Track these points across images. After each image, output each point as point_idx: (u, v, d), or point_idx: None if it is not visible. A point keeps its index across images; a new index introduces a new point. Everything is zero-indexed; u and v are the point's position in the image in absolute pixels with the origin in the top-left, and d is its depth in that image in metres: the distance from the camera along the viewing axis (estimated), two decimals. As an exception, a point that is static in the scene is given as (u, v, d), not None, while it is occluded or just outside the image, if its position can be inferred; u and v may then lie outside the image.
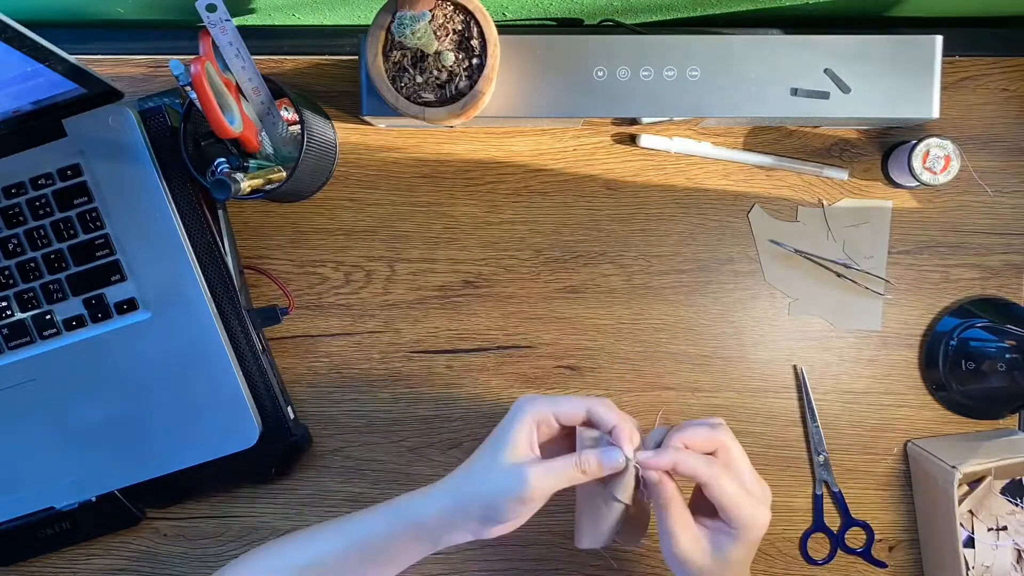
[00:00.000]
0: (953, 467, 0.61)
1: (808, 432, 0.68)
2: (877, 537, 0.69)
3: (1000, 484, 0.66)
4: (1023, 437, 0.67)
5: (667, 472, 0.51)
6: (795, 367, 0.68)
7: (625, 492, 0.53)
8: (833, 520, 0.69)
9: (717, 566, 0.52)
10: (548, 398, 0.53)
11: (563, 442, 0.55)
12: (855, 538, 0.69)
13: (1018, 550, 0.65)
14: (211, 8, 0.54)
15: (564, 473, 0.51)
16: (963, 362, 0.66)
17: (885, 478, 0.69)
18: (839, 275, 0.68)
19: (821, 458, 0.68)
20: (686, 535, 0.52)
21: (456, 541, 0.54)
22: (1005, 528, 0.65)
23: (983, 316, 0.67)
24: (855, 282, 0.68)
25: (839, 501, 0.69)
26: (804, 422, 0.69)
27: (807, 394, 0.68)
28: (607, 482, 0.53)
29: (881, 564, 0.69)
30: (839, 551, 0.69)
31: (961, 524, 0.64)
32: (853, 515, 0.69)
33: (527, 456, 0.52)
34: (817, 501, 0.69)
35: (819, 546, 0.70)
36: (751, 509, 0.51)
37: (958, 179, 0.66)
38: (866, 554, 0.69)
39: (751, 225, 0.69)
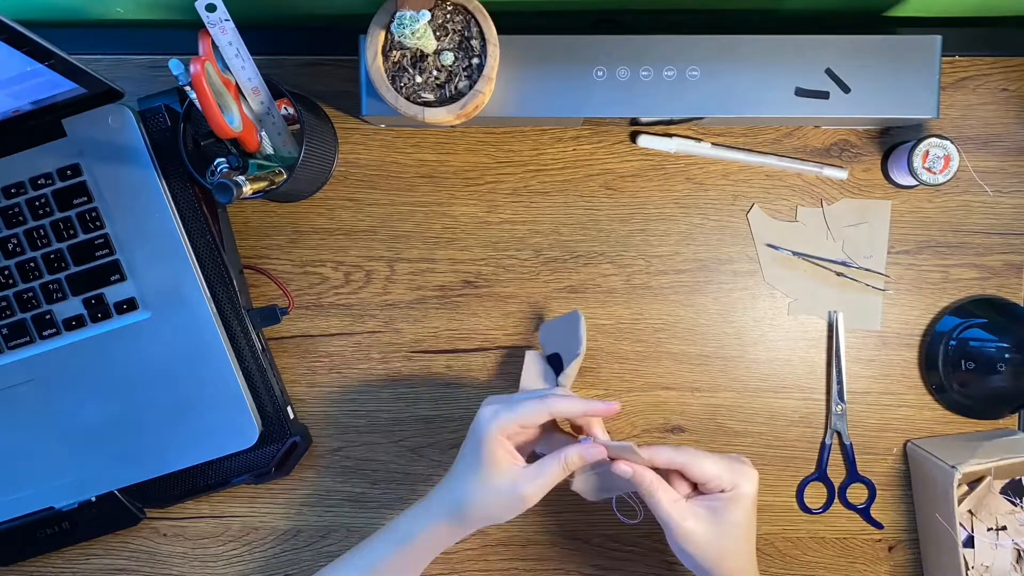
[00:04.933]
0: (952, 467, 0.61)
1: (831, 380, 0.68)
2: (877, 537, 0.69)
3: (1000, 484, 0.66)
4: (1022, 437, 0.68)
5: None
6: (830, 313, 0.68)
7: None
8: (837, 474, 0.69)
9: (723, 533, 0.54)
10: (509, 407, 0.54)
11: (535, 437, 0.58)
12: (857, 495, 0.69)
13: (1018, 550, 0.65)
14: (211, 8, 0.54)
15: (552, 475, 0.54)
16: (963, 362, 0.66)
17: (885, 478, 0.69)
18: (839, 275, 0.68)
19: (839, 408, 0.68)
20: (684, 513, 0.54)
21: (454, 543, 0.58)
22: (1005, 528, 0.65)
23: (983, 316, 0.67)
24: (855, 279, 0.68)
25: (848, 454, 0.69)
26: (828, 370, 0.68)
27: (837, 342, 0.68)
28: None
29: (878, 525, 0.69)
30: (837, 503, 0.69)
31: (961, 524, 0.64)
32: (860, 471, 0.69)
33: (513, 468, 0.54)
34: (824, 450, 0.69)
35: (817, 497, 0.70)
36: (736, 472, 0.54)
37: (958, 179, 0.67)
38: (865, 512, 0.69)
39: (750, 225, 0.69)
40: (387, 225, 0.69)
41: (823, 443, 0.69)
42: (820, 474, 0.69)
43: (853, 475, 0.69)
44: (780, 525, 0.70)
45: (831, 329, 0.68)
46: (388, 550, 0.56)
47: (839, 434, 0.68)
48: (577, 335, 0.62)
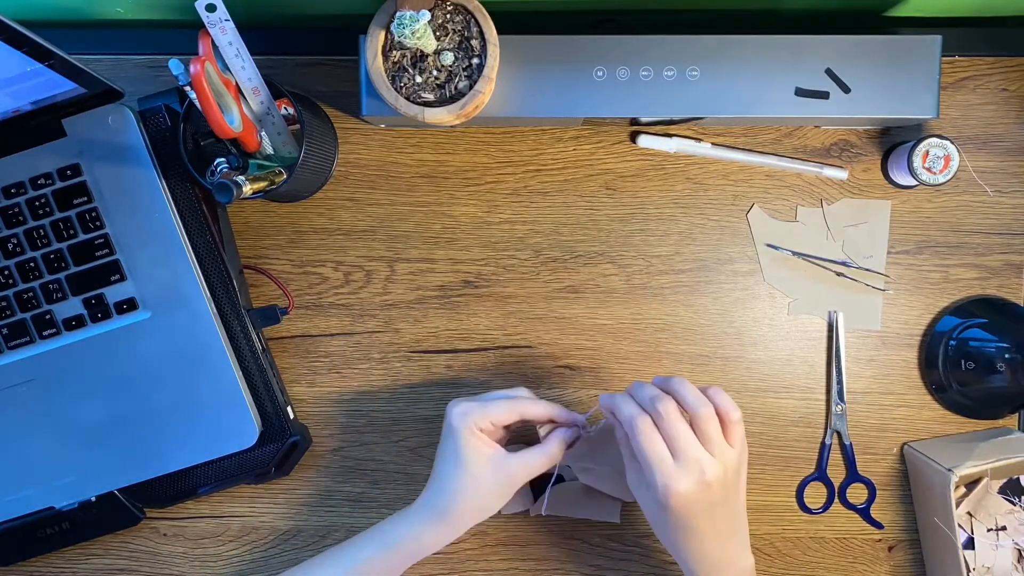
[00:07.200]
0: (949, 470, 0.61)
1: (831, 380, 0.68)
2: (877, 537, 0.69)
3: (997, 484, 0.66)
4: (1018, 436, 0.67)
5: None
6: (830, 313, 0.68)
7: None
8: (837, 474, 0.69)
9: (650, 514, 0.54)
10: (480, 405, 0.56)
11: (503, 438, 0.60)
12: (857, 495, 0.69)
13: (1018, 550, 0.65)
14: (211, 8, 0.54)
15: (537, 461, 0.56)
16: (963, 362, 0.66)
17: (885, 478, 0.69)
18: (839, 275, 0.68)
19: (839, 408, 0.68)
20: (632, 470, 0.54)
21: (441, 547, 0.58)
22: (1004, 528, 0.65)
23: (983, 316, 0.67)
24: (855, 280, 0.68)
25: (848, 453, 0.68)
26: (828, 370, 0.68)
27: (837, 342, 0.67)
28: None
29: (878, 525, 0.69)
30: (836, 504, 0.69)
31: (960, 526, 0.64)
32: (860, 471, 0.69)
33: (496, 452, 0.56)
34: (824, 450, 0.68)
35: (817, 497, 0.69)
36: (662, 475, 0.50)
37: (958, 179, 0.67)
38: (865, 512, 0.69)
39: (750, 225, 0.69)
40: (387, 225, 0.69)
41: (823, 443, 0.69)
42: (820, 474, 0.69)
43: (853, 475, 0.69)
44: (780, 525, 0.70)
45: (831, 329, 0.68)
46: (373, 552, 0.57)
47: (839, 434, 0.68)
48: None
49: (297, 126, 0.62)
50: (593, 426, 0.59)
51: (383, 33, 0.57)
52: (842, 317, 0.68)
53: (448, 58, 0.57)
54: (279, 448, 0.66)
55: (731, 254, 0.69)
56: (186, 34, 0.58)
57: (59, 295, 0.63)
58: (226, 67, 0.58)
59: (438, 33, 0.56)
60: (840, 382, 0.68)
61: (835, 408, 0.68)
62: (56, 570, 0.70)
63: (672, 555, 0.56)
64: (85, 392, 0.64)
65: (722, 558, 0.54)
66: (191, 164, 0.61)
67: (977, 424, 0.69)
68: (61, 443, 0.64)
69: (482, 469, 0.56)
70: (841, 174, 0.68)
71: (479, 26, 0.56)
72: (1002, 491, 0.66)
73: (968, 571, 0.64)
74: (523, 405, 0.56)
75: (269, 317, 0.67)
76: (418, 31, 0.53)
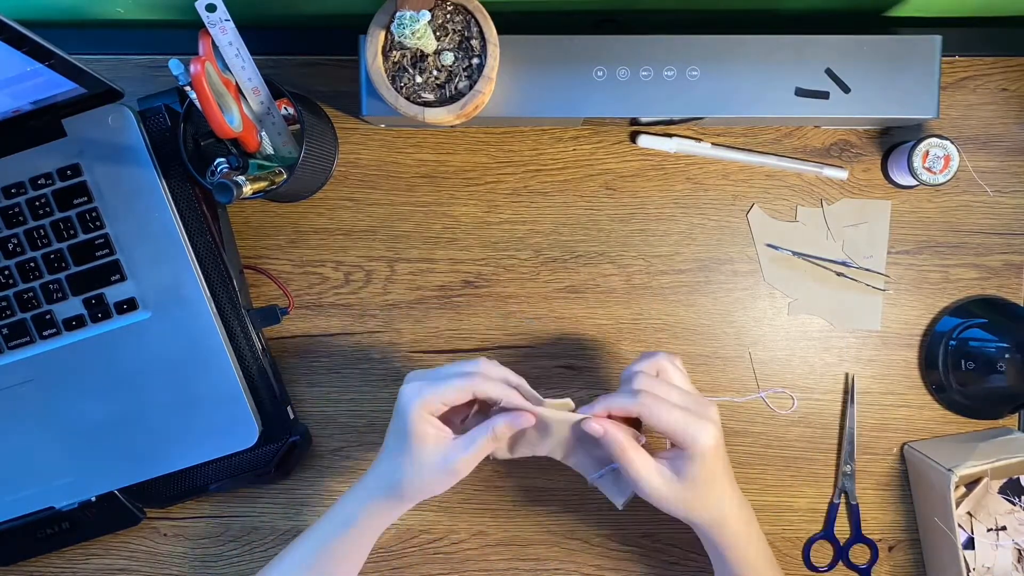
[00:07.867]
0: (949, 470, 0.61)
1: (843, 440, 0.68)
2: (878, 537, 0.69)
3: (997, 484, 0.66)
4: (1018, 436, 0.67)
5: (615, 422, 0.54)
6: (847, 375, 0.68)
7: (561, 448, 0.57)
8: (842, 532, 0.69)
9: (688, 489, 0.53)
10: (432, 385, 0.53)
11: (467, 407, 0.57)
12: (859, 554, 0.69)
13: (1018, 549, 0.65)
14: (211, 8, 0.54)
15: (482, 447, 0.53)
16: (963, 362, 0.66)
17: (885, 478, 0.69)
18: (839, 275, 0.68)
19: (848, 468, 0.68)
20: (648, 472, 0.53)
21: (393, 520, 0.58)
22: (1004, 528, 0.65)
23: (983, 316, 0.67)
24: (855, 280, 0.68)
25: (854, 514, 0.68)
26: (841, 429, 0.68)
27: (852, 404, 0.68)
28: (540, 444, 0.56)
29: None
30: (840, 563, 0.69)
31: (960, 526, 0.64)
32: (864, 532, 0.69)
33: (441, 442, 0.54)
34: (832, 509, 0.69)
35: (822, 554, 0.69)
36: (692, 427, 0.52)
37: (958, 179, 0.67)
38: (866, 572, 0.69)
39: (750, 225, 0.69)
40: (387, 225, 0.69)
41: (831, 502, 0.69)
42: (827, 532, 0.69)
43: (857, 535, 0.68)
44: (780, 525, 0.70)
45: (847, 391, 0.68)
46: (332, 533, 0.57)
47: (846, 494, 0.68)
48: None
49: (297, 126, 0.62)
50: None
51: (383, 33, 0.57)
52: (858, 380, 0.68)
53: (448, 58, 0.57)
54: (279, 448, 0.66)
55: (731, 254, 0.69)
56: (186, 34, 0.58)
57: (59, 295, 0.63)
58: (226, 67, 0.58)
59: (438, 33, 0.56)
60: (852, 442, 0.68)
61: (844, 468, 0.68)
62: (56, 570, 0.70)
63: (694, 519, 0.55)
64: (85, 392, 0.64)
65: (741, 498, 0.57)
66: (191, 164, 0.61)
67: (977, 424, 0.69)
68: (61, 443, 0.64)
69: (426, 454, 0.53)
70: (841, 174, 0.68)
71: (479, 26, 0.56)
72: (1002, 491, 0.66)
73: (968, 571, 0.64)
74: (475, 383, 0.53)
75: (269, 317, 0.67)
76: (418, 31, 0.53)
